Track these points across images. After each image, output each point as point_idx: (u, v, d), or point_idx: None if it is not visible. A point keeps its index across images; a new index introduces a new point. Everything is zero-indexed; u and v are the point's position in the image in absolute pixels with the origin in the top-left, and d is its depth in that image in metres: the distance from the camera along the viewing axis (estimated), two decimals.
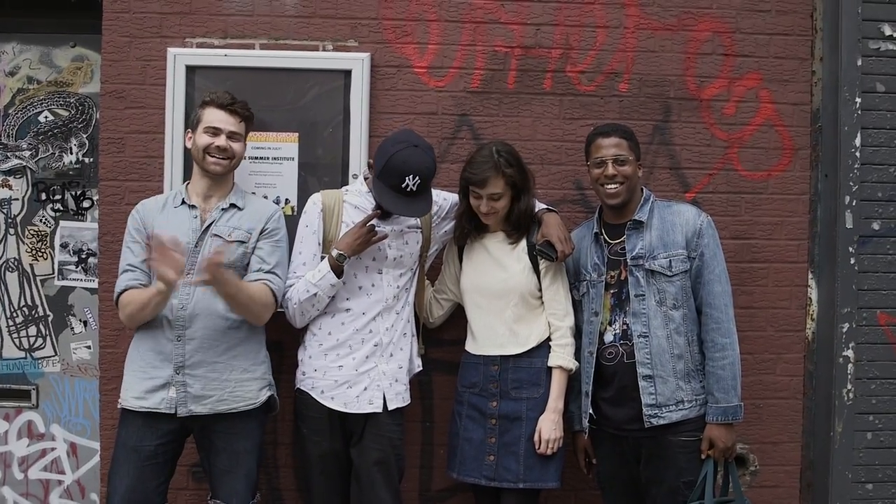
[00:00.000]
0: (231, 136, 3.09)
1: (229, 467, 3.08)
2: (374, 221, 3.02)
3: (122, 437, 3.03)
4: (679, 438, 2.99)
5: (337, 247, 3.00)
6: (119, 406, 3.08)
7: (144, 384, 3.00)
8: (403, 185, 2.91)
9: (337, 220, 3.09)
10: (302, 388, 3.11)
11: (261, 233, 3.08)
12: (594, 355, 3.07)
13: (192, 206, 3.11)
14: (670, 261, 2.99)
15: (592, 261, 3.11)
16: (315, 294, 3.00)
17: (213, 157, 3.07)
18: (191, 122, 3.23)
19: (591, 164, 3.09)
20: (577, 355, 3.12)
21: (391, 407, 3.08)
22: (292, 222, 3.28)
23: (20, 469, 4.25)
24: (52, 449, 4.24)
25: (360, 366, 3.05)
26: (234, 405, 3.03)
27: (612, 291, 3.06)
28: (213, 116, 3.09)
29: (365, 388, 3.04)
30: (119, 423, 3.08)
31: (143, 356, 3.03)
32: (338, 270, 2.99)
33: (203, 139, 3.08)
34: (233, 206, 3.12)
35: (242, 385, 3.04)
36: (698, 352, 3.03)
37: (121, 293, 3.04)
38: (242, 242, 3.06)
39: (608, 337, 3.06)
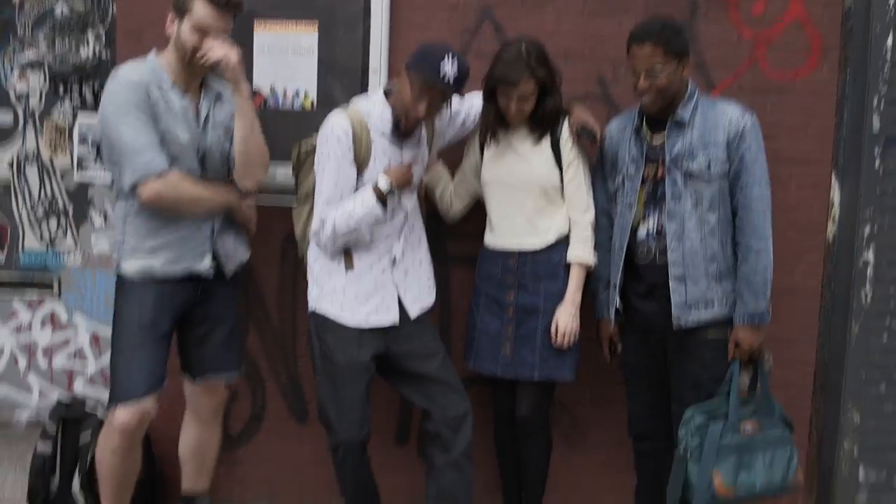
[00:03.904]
0: (219, 35, 2.91)
1: (227, 336, 3.15)
2: (396, 145, 3.00)
3: (135, 315, 2.96)
4: (707, 335, 2.99)
5: (389, 178, 2.93)
6: (136, 277, 2.98)
7: (182, 261, 2.97)
8: (442, 76, 2.82)
9: (366, 147, 2.97)
10: (320, 307, 3.07)
11: None
12: (624, 248, 3.03)
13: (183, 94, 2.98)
14: (709, 162, 2.92)
15: (631, 153, 3.04)
16: (356, 227, 2.94)
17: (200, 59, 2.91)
18: (176, 4, 2.94)
19: (628, 67, 3.00)
20: (608, 247, 3.12)
21: (413, 314, 3.10)
22: (314, 118, 3.26)
23: (44, 357, 4.34)
24: (76, 338, 4.32)
25: (379, 279, 3.04)
26: (242, 258, 3.14)
27: (647, 188, 3.02)
28: (205, 13, 2.86)
29: (383, 300, 3.05)
30: (126, 299, 3.00)
31: (178, 234, 2.97)
32: (384, 203, 2.92)
33: (190, 38, 2.87)
34: (218, 94, 3.06)
35: (242, 243, 3.15)
36: (731, 254, 2.99)
37: (161, 172, 2.85)
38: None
39: (641, 233, 3.02)
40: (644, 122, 3.04)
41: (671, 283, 2.96)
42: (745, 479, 2.95)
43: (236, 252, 3.10)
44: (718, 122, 2.94)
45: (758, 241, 2.93)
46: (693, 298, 2.96)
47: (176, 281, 2.97)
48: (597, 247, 3.15)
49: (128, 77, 2.89)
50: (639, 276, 3.05)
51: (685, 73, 2.96)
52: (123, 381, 2.95)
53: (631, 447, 3.34)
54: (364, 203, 2.90)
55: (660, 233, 2.99)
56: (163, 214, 2.92)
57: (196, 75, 2.97)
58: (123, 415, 2.93)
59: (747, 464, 2.95)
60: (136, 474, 3.10)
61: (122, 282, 3.01)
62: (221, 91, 3.05)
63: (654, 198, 3.00)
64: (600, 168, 3.17)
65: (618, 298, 3.08)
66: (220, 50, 2.86)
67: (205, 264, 3.01)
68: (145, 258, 2.95)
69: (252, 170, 3.02)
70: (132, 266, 2.96)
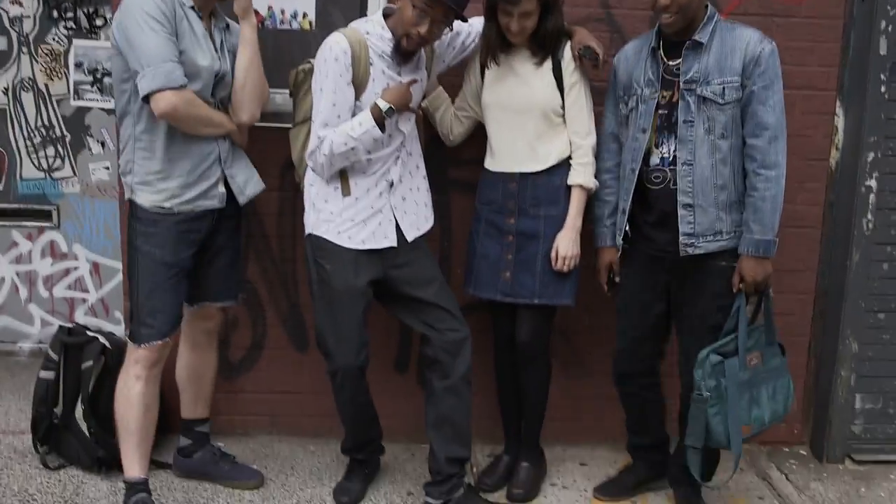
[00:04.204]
0: None
1: (230, 263, 3.14)
2: (395, 68, 2.94)
3: (157, 253, 2.90)
4: (716, 264, 2.95)
5: (386, 100, 2.87)
6: (152, 210, 2.90)
7: (196, 188, 2.92)
8: None
9: (364, 68, 2.90)
10: (317, 231, 3.03)
11: None
12: (636, 173, 2.97)
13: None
14: (724, 88, 2.84)
15: (647, 76, 2.96)
16: (353, 148, 2.88)
17: None
18: None
19: None
20: (616, 173, 3.09)
21: (410, 239, 3.09)
22: (312, 39, 3.21)
23: (45, 287, 4.35)
24: (76, 268, 4.33)
25: (375, 203, 3.01)
26: (257, 189, 3.09)
27: (661, 112, 2.94)
28: None
29: (380, 224, 3.02)
30: (146, 234, 2.91)
31: (189, 160, 2.90)
32: (382, 124, 2.88)
33: None
34: (227, 24, 3.01)
35: (254, 173, 3.10)
36: (742, 183, 2.92)
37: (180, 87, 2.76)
38: None
39: (654, 160, 2.96)
40: (661, 44, 2.96)
41: (679, 211, 2.91)
42: (757, 415, 2.95)
43: (248, 182, 3.07)
44: (736, 46, 2.85)
45: (768, 169, 2.84)
46: (702, 227, 2.91)
47: (194, 216, 2.94)
48: (605, 172, 3.11)
49: None
50: (649, 203, 2.99)
51: None
52: (149, 322, 2.92)
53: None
54: (362, 123, 2.87)
55: (675, 159, 2.91)
56: (169, 133, 2.85)
57: (211, 1, 2.92)
58: (148, 353, 2.95)
59: (756, 399, 2.95)
60: (156, 412, 3.07)
61: (135, 211, 2.93)
62: (228, 21, 3.01)
63: (669, 123, 2.93)
64: (612, 91, 3.11)
65: (626, 224, 3.05)
66: None
67: (218, 194, 2.98)
68: (158, 187, 2.88)
69: (250, 102, 2.97)
70: (146, 195, 2.90)
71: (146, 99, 2.74)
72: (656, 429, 3.34)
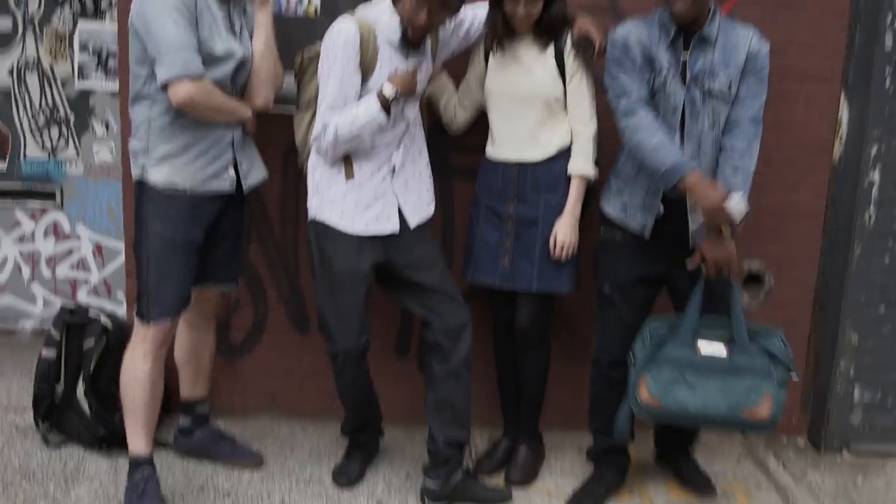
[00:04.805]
0: None
1: (233, 248, 3.16)
2: (402, 55, 2.94)
3: (168, 231, 2.91)
4: None
5: (393, 86, 2.87)
6: (164, 188, 2.89)
7: (209, 169, 2.93)
8: None
9: (372, 53, 2.90)
10: (320, 216, 3.04)
11: None
12: None
13: None
14: (730, 83, 2.85)
15: (668, 56, 2.89)
16: (358, 133, 2.88)
17: None
18: None
19: None
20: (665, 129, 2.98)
21: (412, 224, 3.10)
22: (317, 26, 3.23)
23: (48, 267, 4.37)
24: (78, 249, 4.34)
25: (378, 187, 3.01)
26: (259, 177, 3.12)
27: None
28: None
29: (383, 208, 3.03)
30: (156, 213, 2.91)
31: (204, 142, 2.91)
32: (388, 110, 2.87)
33: None
34: (244, 7, 3.01)
35: (259, 162, 3.13)
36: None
37: (199, 76, 2.76)
38: None
39: None
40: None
41: (688, 203, 2.89)
42: (680, 396, 2.84)
43: (252, 169, 3.08)
44: (740, 43, 2.86)
45: (743, 158, 2.84)
46: None
47: (205, 197, 2.95)
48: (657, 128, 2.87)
49: None
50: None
51: None
52: (158, 300, 2.94)
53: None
54: (367, 109, 2.87)
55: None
56: (184, 120, 2.86)
57: None
58: (157, 332, 2.96)
59: (690, 383, 2.85)
60: (161, 390, 3.08)
61: (147, 192, 2.92)
62: (246, 6, 3.01)
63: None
64: (628, 63, 2.90)
65: (661, 205, 2.95)
66: None
67: (229, 177, 2.98)
68: (173, 167, 2.88)
69: (265, 87, 2.99)
70: (160, 175, 2.89)
71: (164, 86, 2.75)
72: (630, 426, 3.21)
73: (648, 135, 2.80)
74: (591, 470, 3.37)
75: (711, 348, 2.87)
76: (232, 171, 2.98)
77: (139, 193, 2.94)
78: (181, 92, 2.73)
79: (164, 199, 2.89)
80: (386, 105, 2.86)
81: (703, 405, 2.84)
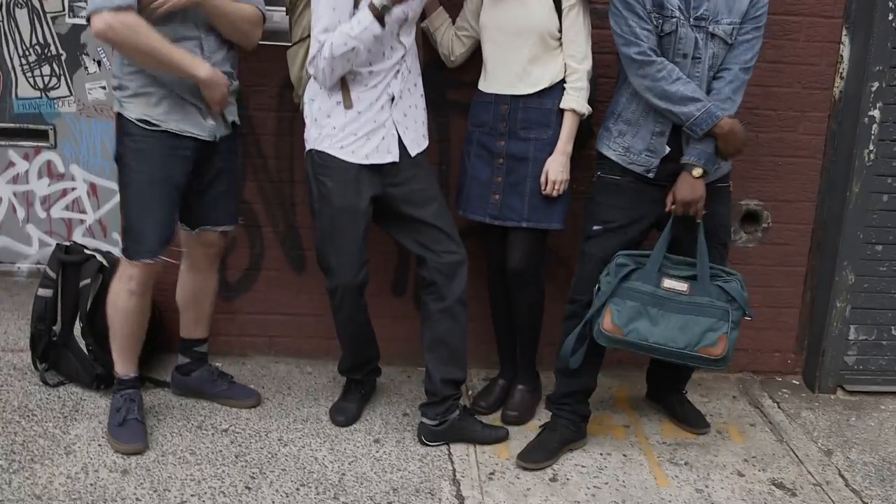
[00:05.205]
0: None
1: (227, 188, 3.13)
2: None
3: (146, 170, 2.88)
4: (722, 187, 3.02)
5: None
6: (141, 124, 2.86)
7: (178, 112, 2.88)
8: None
9: None
10: (319, 147, 3.00)
11: None
12: None
13: None
14: (733, 29, 2.84)
15: (676, 2, 2.84)
16: (354, 48, 2.82)
17: None
18: None
19: None
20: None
21: (412, 153, 3.06)
22: None
23: (42, 208, 4.34)
24: (73, 189, 4.31)
25: (378, 117, 2.98)
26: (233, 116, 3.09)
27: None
28: None
29: (383, 138, 3.00)
30: (136, 151, 2.88)
31: (181, 86, 2.85)
32: (381, 20, 2.82)
33: None
34: None
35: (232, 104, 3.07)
36: None
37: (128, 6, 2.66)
38: None
39: None
40: None
41: (683, 146, 2.91)
42: (640, 328, 2.91)
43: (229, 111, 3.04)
44: None
45: (724, 104, 2.83)
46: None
47: (182, 135, 2.91)
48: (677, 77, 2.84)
49: None
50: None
51: None
52: (139, 237, 2.93)
53: None
54: (361, 21, 2.80)
55: None
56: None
57: None
58: (142, 271, 2.96)
59: (652, 316, 2.91)
60: (147, 320, 3.12)
61: (124, 126, 2.89)
62: None
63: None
64: (643, 8, 2.83)
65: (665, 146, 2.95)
66: None
67: (207, 126, 2.94)
68: (146, 104, 2.84)
69: (242, 28, 2.92)
70: (134, 110, 2.85)
71: (87, 20, 2.67)
72: (594, 371, 3.23)
73: (672, 83, 2.81)
74: (550, 418, 3.26)
75: (674, 284, 2.95)
76: (210, 120, 2.94)
77: (118, 127, 2.92)
78: (97, 23, 2.64)
79: (140, 134, 2.86)
80: (378, 16, 2.81)
81: (663, 339, 2.92)
